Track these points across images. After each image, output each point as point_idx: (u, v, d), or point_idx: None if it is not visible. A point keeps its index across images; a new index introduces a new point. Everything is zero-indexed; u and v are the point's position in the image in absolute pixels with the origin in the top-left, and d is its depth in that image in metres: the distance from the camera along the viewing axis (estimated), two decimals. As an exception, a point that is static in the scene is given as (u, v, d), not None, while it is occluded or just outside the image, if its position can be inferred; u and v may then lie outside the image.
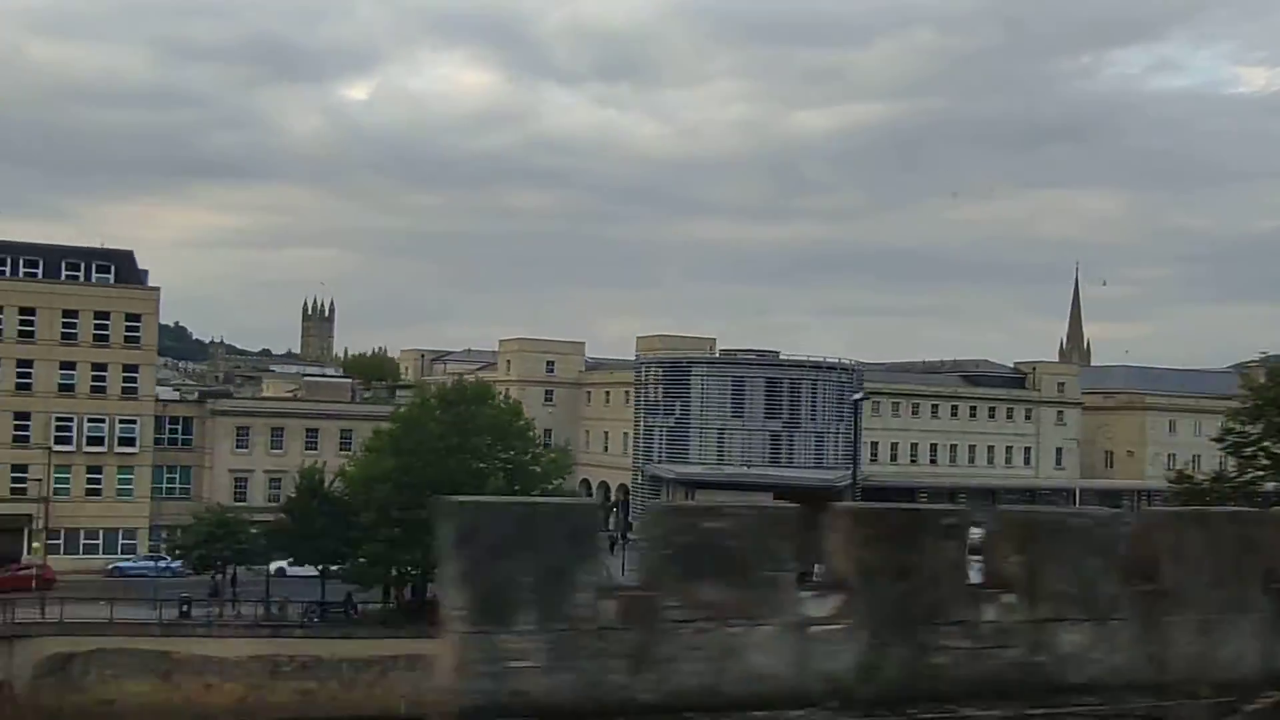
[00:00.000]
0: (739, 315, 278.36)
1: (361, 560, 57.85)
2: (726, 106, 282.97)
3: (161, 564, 73.15)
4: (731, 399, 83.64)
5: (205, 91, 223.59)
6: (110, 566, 72.17)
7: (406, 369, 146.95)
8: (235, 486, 78.54)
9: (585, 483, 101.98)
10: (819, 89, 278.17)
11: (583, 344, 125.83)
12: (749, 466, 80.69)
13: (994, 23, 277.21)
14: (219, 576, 61.94)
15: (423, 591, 59.67)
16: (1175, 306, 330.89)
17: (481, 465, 58.67)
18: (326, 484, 61.41)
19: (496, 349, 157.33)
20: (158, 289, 78.17)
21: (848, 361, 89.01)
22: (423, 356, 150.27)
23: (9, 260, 75.65)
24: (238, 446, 78.39)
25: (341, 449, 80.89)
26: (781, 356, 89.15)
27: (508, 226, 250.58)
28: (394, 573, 59.03)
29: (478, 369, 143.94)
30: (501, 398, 67.94)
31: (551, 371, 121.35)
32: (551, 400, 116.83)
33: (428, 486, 56.74)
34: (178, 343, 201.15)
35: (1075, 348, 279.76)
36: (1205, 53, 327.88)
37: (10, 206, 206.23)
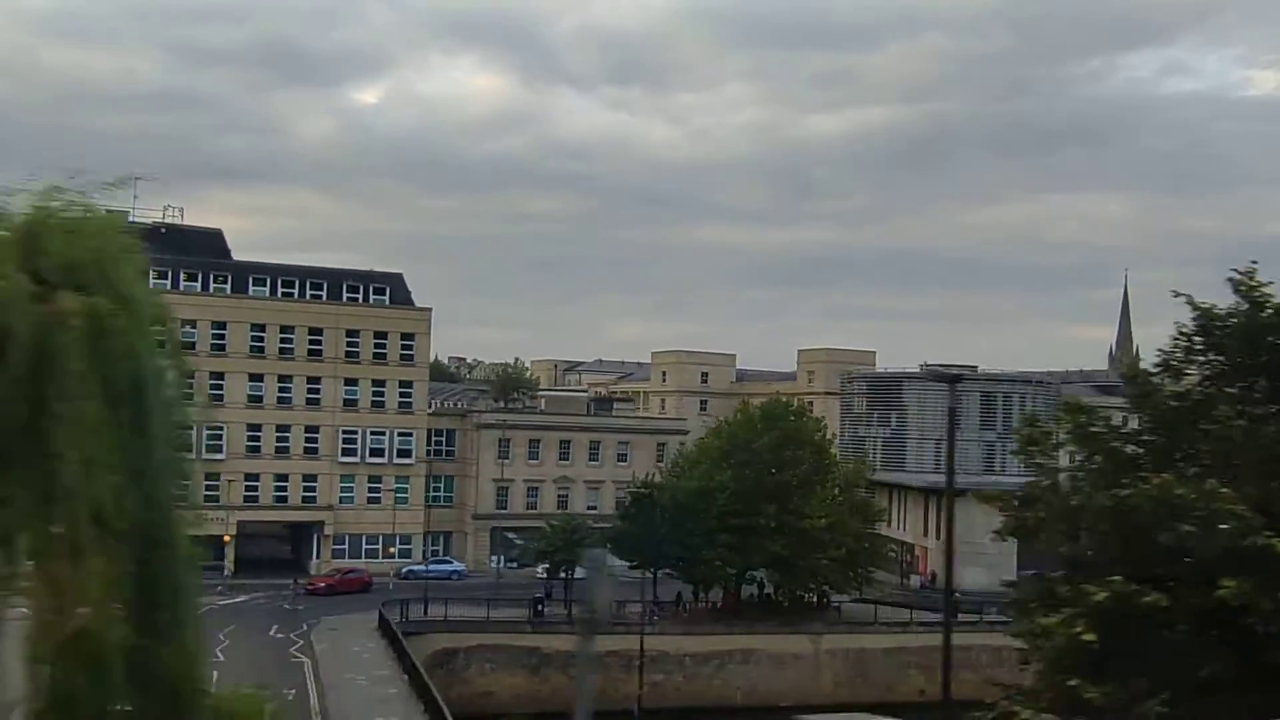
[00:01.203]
0: (748, 318, 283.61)
1: (702, 563, 63.04)
2: (738, 110, 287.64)
3: (449, 568, 78.63)
4: (981, 410, 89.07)
5: (216, 95, 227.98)
6: (404, 570, 77.17)
7: (539, 379, 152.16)
8: (497, 495, 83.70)
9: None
10: (830, 93, 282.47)
11: (734, 356, 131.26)
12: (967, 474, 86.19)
13: (1004, 26, 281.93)
14: (556, 578, 66.87)
15: (758, 590, 65.34)
16: (1185, 310, 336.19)
17: (813, 476, 64.02)
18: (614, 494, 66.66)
19: (624, 359, 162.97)
20: (429, 309, 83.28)
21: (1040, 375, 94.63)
22: (555, 367, 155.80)
23: (297, 283, 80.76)
24: (499, 457, 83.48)
25: (590, 460, 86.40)
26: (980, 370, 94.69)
27: (519, 230, 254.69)
28: (732, 574, 64.13)
29: (617, 379, 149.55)
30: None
31: (705, 382, 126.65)
32: (706, 410, 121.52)
33: (760, 496, 62.38)
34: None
35: (1125, 353, 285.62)
36: (1216, 56, 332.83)
37: None
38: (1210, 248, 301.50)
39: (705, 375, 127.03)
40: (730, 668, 63.22)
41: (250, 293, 79.61)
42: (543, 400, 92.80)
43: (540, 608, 63.31)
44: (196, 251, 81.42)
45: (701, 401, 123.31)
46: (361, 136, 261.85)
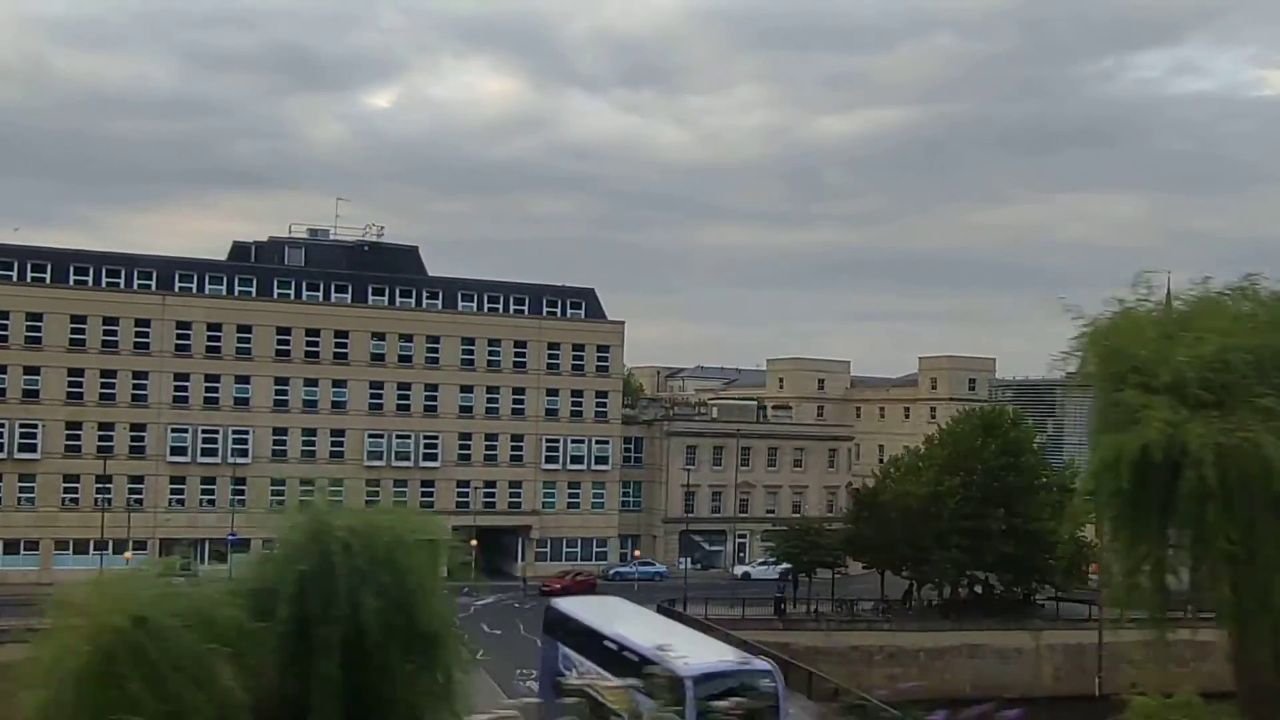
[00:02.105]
0: (761, 320, 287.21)
1: (933, 563, 67.06)
2: (748, 112, 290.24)
3: (653, 569, 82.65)
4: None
5: (229, 101, 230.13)
6: (611, 571, 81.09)
7: (641, 385, 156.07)
8: (685, 500, 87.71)
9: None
10: (840, 94, 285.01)
11: (848, 362, 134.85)
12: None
13: (1015, 27, 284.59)
14: (790, 579, 70.88)
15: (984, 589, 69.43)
16: None
17: (1037, 481, 68.13)
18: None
19: (724, 365, 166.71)
20: (623, 322, 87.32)
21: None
22: (658, 373, 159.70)
23: (502, 298, 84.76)
24: (686, 464, 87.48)
25: (768, 465, 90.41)
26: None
27: (530, 233, 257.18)
28: (964, 574, 68.14)
29: (723, 384, 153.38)
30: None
31: (822, 388, 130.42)
32: (822, 415, 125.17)
33: (988, 500, 66.41)
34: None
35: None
36: (1227, 56, 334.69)
37: (33, 218, 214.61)
38: (1221, 249, 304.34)
39: (821, 381, 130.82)
40: (959, 662, 67.22)
41: (459, 308, 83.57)
42: (714, 409, 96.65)
43: (783, 606, 67.29)
44: (396, 268, 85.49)
45: (819, 407, 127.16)
46: (373, 140, 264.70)
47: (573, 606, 40.89)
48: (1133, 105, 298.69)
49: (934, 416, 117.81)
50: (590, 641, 33.87)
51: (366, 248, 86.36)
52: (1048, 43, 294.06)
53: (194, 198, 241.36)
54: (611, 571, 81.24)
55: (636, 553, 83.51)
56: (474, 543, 77.36)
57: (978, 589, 71.09)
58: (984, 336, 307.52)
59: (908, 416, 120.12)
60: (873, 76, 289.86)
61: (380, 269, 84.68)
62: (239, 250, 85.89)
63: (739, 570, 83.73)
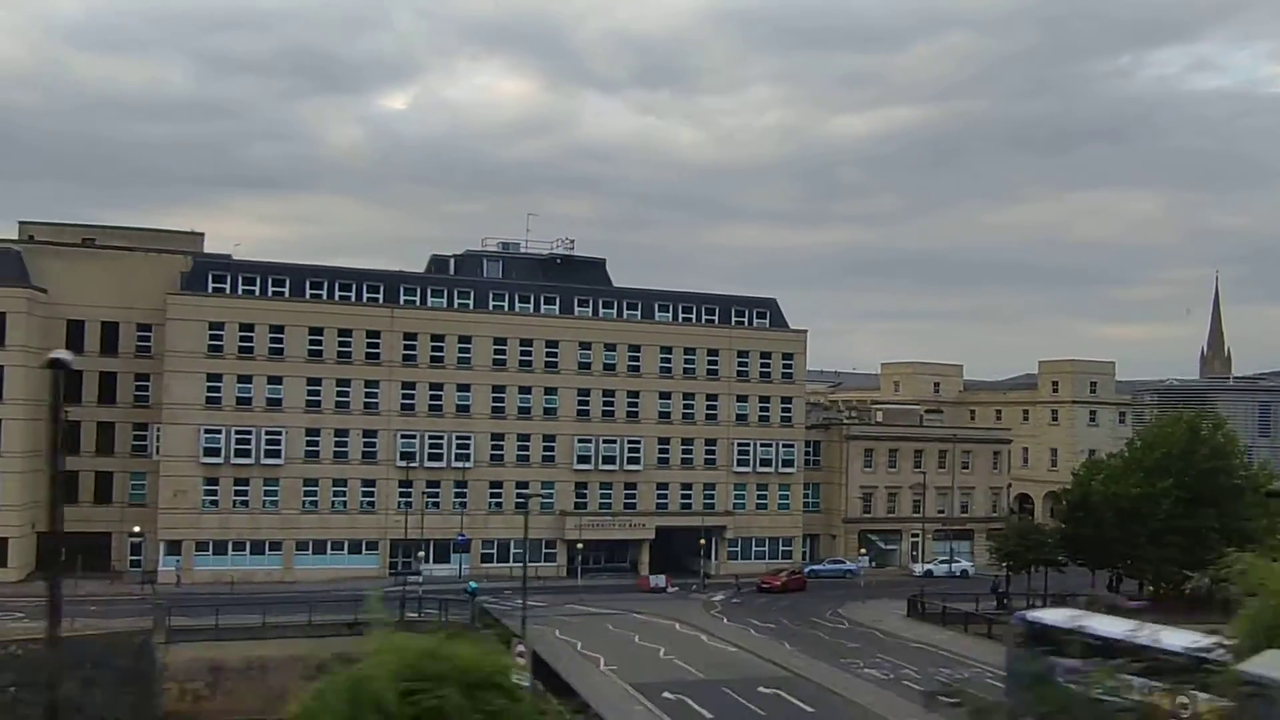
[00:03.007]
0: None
1: (1149, 561, 70.91)
2: (764, 112, 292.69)
3: (844, 567, 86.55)
4: (1258, 419, 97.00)
5: (245, 104, 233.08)
6: (806, 569, 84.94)
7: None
8: (864, 502, 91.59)
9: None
10: (856, 93, 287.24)
11: (961, 366, 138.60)
12: None
13: (1031, 24, 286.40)
14: (1005, 575, 74.71)
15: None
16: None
17: (1236, 483, 71.94)
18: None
19: (834, 369, 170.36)
20: (805, 331, 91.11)
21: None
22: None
23: (694, 309, 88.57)
24: (864, 466, 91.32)
25: (939, 467, 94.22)
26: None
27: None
28: (1181, 572, 71.93)
29: (830, 388, 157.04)
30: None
31: (937, 392, 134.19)
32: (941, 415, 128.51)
33: (1200, 502, 70.28)
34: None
35: (1216, 355, 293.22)
36: (1244, 52, 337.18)
37: (49, 220, 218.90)
38: (1238, 245, 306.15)
39: (936, 385, 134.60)
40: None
41: (655, 318, 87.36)
42: (879, 413, 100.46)
43: (1005, 599, 71.10)
44: (584, 279, 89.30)
45: (936, 411, 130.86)
46: (389, 142, 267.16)
47: (1060, 618, 41.84)
48: (1149, 102, 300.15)
49: (1055, 419, 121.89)
50: (1111, 650, 32.19)
51: (559, 260, 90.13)
52: (1064, 40, 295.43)
53: (210, 201, 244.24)
54: (807, 569, 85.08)
55: (861, 551, 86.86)
56: (580, 544, 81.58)
57: (1186, 587, 74.94)
58: (1001, 334, 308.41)
59: (1026, 419, 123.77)
60: (888, 76, 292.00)
61: (570, 279, 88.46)
62: (437, 263, 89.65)
63: (919, 568, 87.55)
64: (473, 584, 71.88)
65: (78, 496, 77.99)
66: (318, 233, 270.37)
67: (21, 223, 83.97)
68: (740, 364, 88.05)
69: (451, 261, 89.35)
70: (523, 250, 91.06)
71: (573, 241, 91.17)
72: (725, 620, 65.76)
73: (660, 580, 77.54)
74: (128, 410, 78.77)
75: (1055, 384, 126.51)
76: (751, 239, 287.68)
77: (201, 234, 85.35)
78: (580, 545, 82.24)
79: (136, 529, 78.48)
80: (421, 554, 79.23)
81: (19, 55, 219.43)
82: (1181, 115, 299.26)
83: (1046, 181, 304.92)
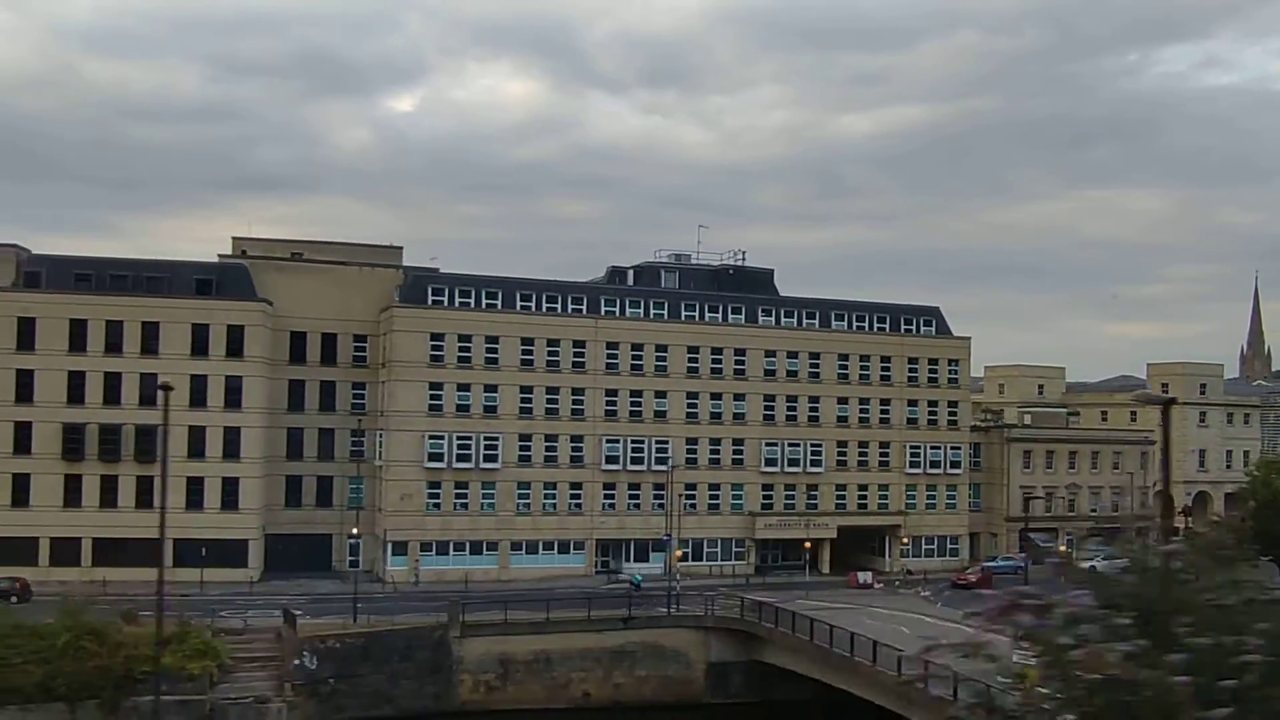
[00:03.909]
0: None
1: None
2: (770, 112, 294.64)
3: (1013, 564, 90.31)
4: None
5: (254, 106, 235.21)
6: (979, 566, 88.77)
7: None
8: (1024, 501, 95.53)
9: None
10: (863, 93, 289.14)
11: (1063, 369, 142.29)
12: None
13: (1040, 23, 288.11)
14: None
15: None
16: (1223, 305, 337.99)
17: None
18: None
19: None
20: (969, 338, 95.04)
21: None
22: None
23: (868, 317, 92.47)
24: (1024, 467, 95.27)
25: (1091, 468, 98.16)
26: None
27: (553, 234, 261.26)
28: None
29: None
30: None
31: (1041, 393, 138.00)
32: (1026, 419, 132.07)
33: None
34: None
35: (1257, 354, 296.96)
36: (1255, 49, 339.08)
37: (59, 224, 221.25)
38: (1251, 242, 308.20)
39: (1041, 387, 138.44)
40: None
41: (821, 326, 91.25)
42: (1027, 416, 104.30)
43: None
44: (755, 288, 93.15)
45: (1074, 414, 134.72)
46: (397, 144, 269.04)
47: None
48: (1159, 100, 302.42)
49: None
50: None
51: (731, 271, 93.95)
52: (1072, 38, 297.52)
53: (218, 203, 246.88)
54: (980, 566, 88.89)
55: (1056, 546, 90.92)
56: (807, 545, 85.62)
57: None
58: (1013, 334, 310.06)
59: (1134, 419, 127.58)
60: (895, 75, 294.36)
61: (741, 289, 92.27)
62: (615, 273, 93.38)
63: (1085, 564, 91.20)
64: (637, 577, 76.32)
65: (300, 500, 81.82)
66: (325, 234, 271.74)
67: (235, 238, 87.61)
68: (910, 370, 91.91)
69: (630, 272, 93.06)
70: (694, 261, 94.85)
71: (744, 253, 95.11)
72: (961, 614, 69.21)
73: (867, 577, 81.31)
74: (345, 417, 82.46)
75: (1165, 386, 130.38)
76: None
77: (400, 248, 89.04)
78: (761, 545, 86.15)
79: (355, 530, 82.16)
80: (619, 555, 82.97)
81: (29, 59, 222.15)
82: (1191, 113, 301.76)
83: (1055, 180, 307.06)
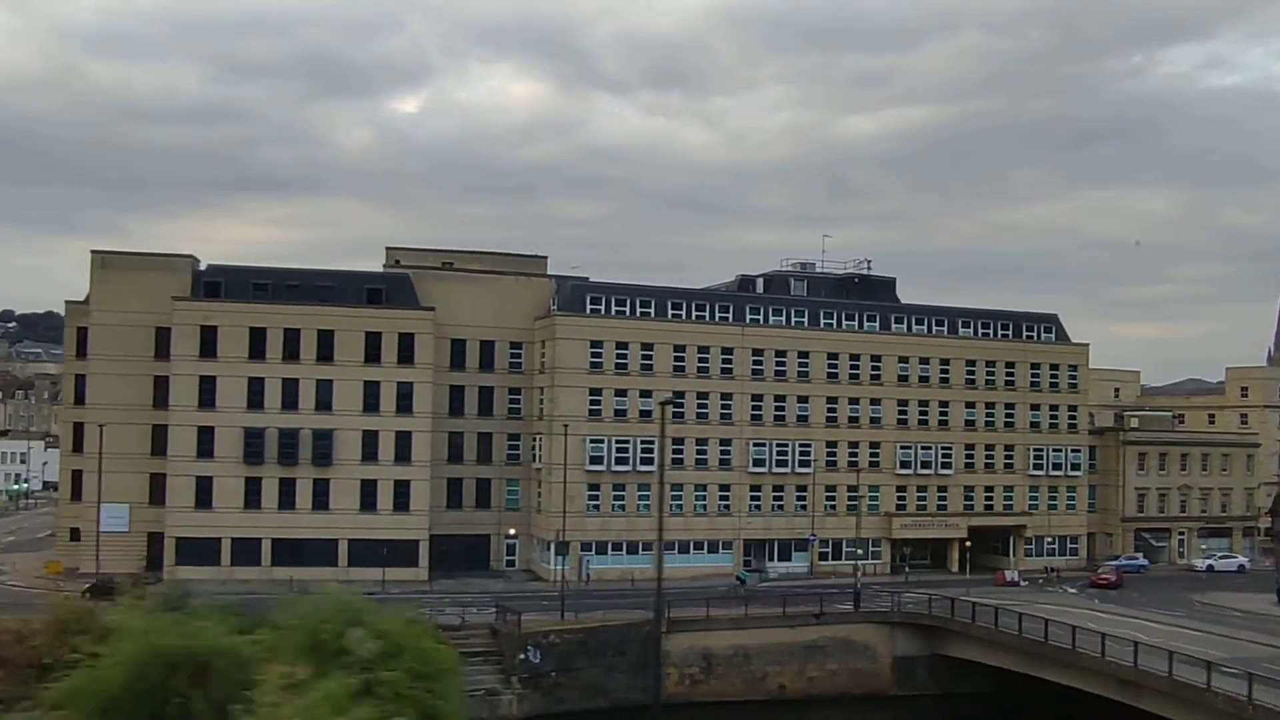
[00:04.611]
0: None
1: None
2: (775, 113, 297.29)
3: (1137, 563, 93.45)
4: None
5: (257, 108, 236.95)
6: (1113, 565, 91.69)
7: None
8: (1138, 502, 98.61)
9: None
10: (867, 93, 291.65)
11: (1138, 372, 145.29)
12: None
13: (1043, 24, 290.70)
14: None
15: None
16: (1227, 305, 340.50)
17: None
18: None
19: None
20: (1088, 345, 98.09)
21: None
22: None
23: (992, 325, 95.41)
24: (1138, 469, 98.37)
25: (1201, 469, 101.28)
26: None
27: (556, 235, 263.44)
28: None
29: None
30: None
31: (1117, 397, 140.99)
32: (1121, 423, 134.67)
33: None
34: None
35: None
36: (1258, 50, 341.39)
37: (64, 225, 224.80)
38: (1255, 243, 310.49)
39: (1117, 390, 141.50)
40: None
41: (949, 334, 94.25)
42: (1135, 419, 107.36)
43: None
44: (878, 296, 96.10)
45: (1115, 415, 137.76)
46: (400, 145, 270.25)
47: None
48: (1163, 101, 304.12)
49: (1244, 422, 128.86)
50: None
51: (856, 279, 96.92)
52: (1076, 39, 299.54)
53: (221, 204, 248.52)
54: (1114, 565, 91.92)
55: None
56: (968, 544, 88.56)
57: None
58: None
59: (1212, 422, 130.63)
60: (899, 76, 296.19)
61: (865, 297, 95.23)
62: (744, 281, 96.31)
63: (1201, 563, 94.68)
64: (743, 574, 79.40)
65: (461, 502, 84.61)
66: (327, 235, 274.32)
67: (388, 248, 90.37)
68: (1033, 375, 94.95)
69: (759, 280, 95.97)
70: (818, 270, 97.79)
71: (869, 262, 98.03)
72: (1121, 611, 72.03)
73: (1014, 574, 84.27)
74: (503, 422, 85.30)
75: (1244, 389, 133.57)
76: (762, 239, 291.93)
77: (545, 257, 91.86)
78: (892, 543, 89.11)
79: (512, 531, 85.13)
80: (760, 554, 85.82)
81: (32, 61, 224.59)
82: (1194, 113, 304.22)
83: (1059, 181, 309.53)
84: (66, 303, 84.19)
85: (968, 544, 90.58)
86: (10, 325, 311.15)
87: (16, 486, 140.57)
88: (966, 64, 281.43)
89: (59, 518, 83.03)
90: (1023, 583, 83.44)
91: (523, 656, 60.54)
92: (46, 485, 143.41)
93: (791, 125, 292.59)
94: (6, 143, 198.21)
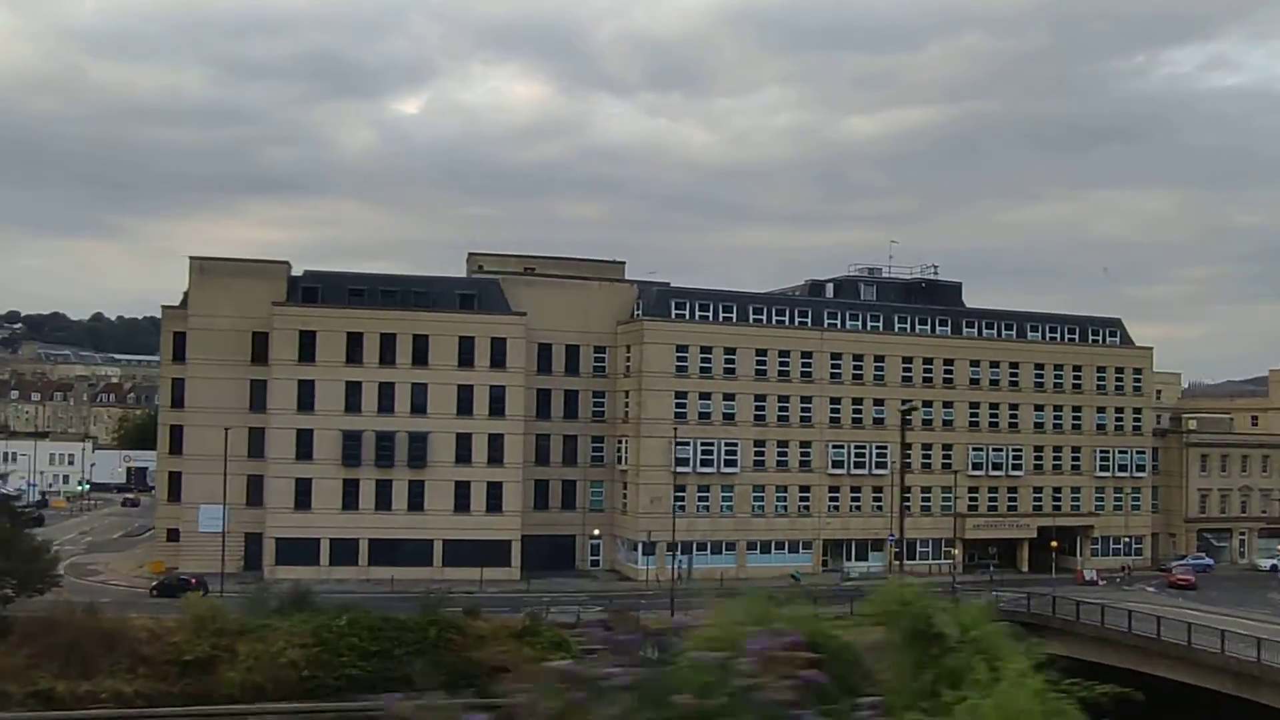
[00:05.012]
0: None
1: None
2: (776, 113, 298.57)
3: (1201, 562, 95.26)
4: None
5: (260, 109, 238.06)
6: (1188, 565, 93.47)
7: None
8: (1200, 503, 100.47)
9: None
10: (869, 94, 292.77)
11: (1179, 374, 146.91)
12: None
13: (1045, 24, 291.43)
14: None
15: None
16: (1227, 305, 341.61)
17: None
18: None
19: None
20: (1151, 348, 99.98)
21: None
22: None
23: (1059, 329, 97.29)
24: (1201, 471, 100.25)
25: (1262, 471, 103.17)
26: None
27: (559, 236, 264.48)
28: None
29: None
30: None
31: (1159, 398, 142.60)
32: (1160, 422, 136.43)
33: None
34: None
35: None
36: (1260, 50, 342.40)
37: (67, 226, 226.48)
38: (1257, 242, 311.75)
39: (1159, 392, 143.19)
40: None
41: (1018, 338, 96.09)
42: (1194, 421, 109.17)
43: None
44: (943, 301, 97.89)
45: (1172, 416, 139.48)
46: (402, 146, 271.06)
47: None
48: (1165, 101, 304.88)
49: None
50: None
51: (923, 284, 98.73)
52: (1079, 40, 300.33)
53: (224, 205, 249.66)
54: (1189, 565, 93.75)
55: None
56: (1054, 544, 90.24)
57: None
58: None
59: (1255, 424, 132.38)
60: (901, 76, 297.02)
61: (931, 301, 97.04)
62: (814, 286, 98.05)
63: (1265, 563, 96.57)
64: (797, 574, 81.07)
65: (547, 503, 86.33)
66: (329, 236, 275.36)
67: (471, 254, 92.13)
68: (1099, 378, 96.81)
69: (828, 285, 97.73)
70: (884, 275, 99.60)
71: (936, 267, 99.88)
72: (1210, 609, 73.78)
73: (1092, 573, 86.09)
74: (587, 424, 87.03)
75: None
76: (764, 240, 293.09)
77: (623, 262, 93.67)
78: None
79: (596, 531, 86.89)
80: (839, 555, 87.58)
81: (35, 61, 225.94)
82: (1197, 113, 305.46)
83: (1061, 181, 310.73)
84: (163, 308, 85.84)
85: (1053, 543, 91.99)
86: (16, 326, 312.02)
87: (80, 486, 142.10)
88: (968, 64, 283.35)
89: (157, 518, 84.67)
90: (1101, 581, 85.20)
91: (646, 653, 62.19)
92: (94, 485, 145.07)
93: (793, 126, 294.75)
94: (9, 143, 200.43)
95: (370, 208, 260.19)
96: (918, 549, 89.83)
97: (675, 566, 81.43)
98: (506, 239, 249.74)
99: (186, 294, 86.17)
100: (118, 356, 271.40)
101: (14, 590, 60.29)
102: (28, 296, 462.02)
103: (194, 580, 72.52)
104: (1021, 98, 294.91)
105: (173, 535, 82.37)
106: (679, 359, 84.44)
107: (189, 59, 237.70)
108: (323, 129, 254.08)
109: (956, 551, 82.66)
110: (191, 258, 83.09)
